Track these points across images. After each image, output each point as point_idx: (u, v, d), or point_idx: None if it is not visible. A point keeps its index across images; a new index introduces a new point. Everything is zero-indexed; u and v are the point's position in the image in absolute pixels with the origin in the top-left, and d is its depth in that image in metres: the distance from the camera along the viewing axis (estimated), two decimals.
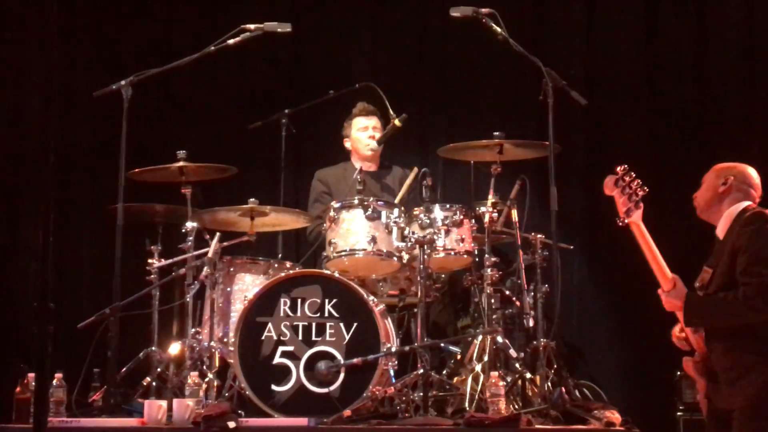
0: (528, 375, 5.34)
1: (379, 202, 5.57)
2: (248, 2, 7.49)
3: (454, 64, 7.49)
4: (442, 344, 5.59)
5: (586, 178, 7.21)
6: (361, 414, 5.05)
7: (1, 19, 7.28)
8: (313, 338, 5.25)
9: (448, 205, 5.62)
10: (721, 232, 4.53)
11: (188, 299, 5.57)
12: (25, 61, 7.32)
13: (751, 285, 4.28)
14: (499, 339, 5.42)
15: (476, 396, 5.18)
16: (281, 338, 5.26)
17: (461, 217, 5.59)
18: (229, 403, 5.11)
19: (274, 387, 5.20)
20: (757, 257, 4.31)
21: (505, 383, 5.07)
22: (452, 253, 5.57)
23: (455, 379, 5.48)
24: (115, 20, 7.55)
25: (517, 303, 5.80)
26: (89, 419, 5.12)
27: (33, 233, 7.00)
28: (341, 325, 5.24)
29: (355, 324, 5.23)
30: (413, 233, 5.49)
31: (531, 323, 5.65)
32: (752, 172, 4.61)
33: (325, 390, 5.16)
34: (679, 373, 6.10)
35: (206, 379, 5.29)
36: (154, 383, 5.62)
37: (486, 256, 5.59)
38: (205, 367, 5.41)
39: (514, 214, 5.80)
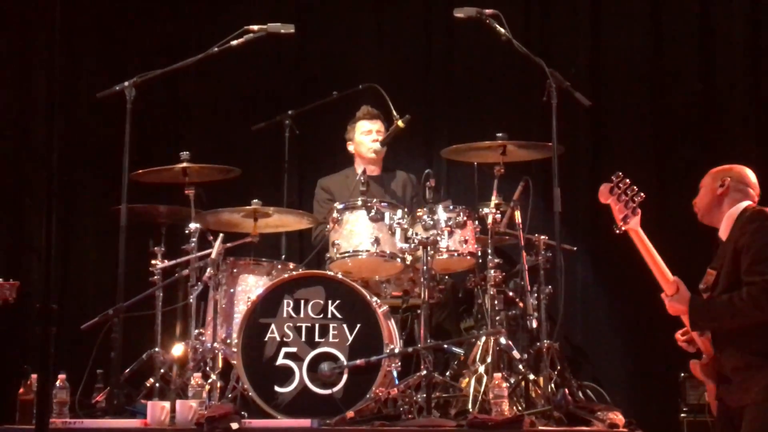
0: (531, 376, 5.33)
1: (382, 204, 5.57)
2: (253, 3, 7.50)
3: (458, 65, 7.49)
4: (446, 345, 5.59)
5: (589, 179, 7.19)
6: (364, 415, 5.05)
7: (6, 19, 7.28)
8: (317, 339, 5.25)
9: (451, 207, 5.62)
10: (723, 233, 4.52)
11: (191, 300, 5.57)
12: (29, 62, 7.34)
13: (755, 284, 4.26)
14: (503, 340, 5.41)
15: (479, 397, 5.18)
16: (284, 339, 5.26)
17: (464, 218, 5.59)
18: (232, 405, 5.12)
19: (277, 388, 5.20)
20: (759, 256, 4.30)
21: (508, 385, 5.06)
22: (455, 254, 5.57)
23: (458, 380, 5.47)
24: (120, 21, 7.56)
25: (521, 304, 5.80)
26: (92, 420, 5.13)
27: (37, 234, 7.01)
28: (344, 326, 5.24)
29: (359, 325, 5.23)
30: (416, 234, 5.48)
31: (534, 324, 5.63)
32: (749, 172, 4.61)
33: (328, 391, 5.16)
34: (682, 374, 6.10)
35: (209, 380, 5.29)
36: (157, 384, 5.62)
37: (489, 257, 5.58)
38: (208, 368, 5.40)
39: (518, 215, 5.78)
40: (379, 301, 5.43)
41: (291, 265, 5.82)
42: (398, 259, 5.52)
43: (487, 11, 5.66)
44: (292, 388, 5.20)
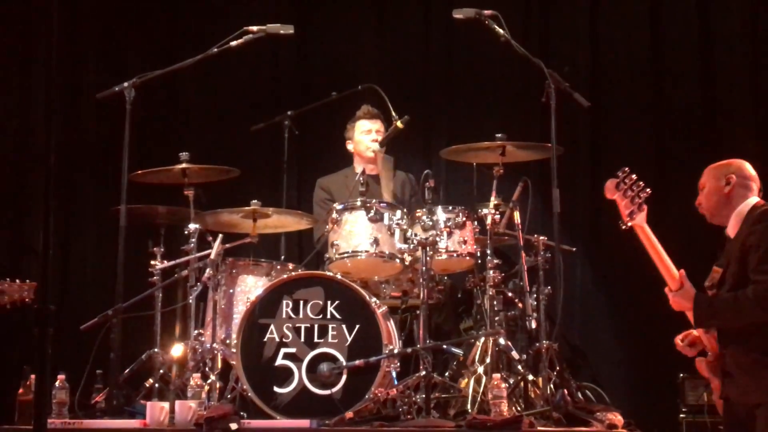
0: (530, 377, 5.33)
1: (381, 204, 5.57)
2: (253, 4, 7.51)
3: (458, 66, 7.50)
4: (445, 346, 5.59)
5: (588, 180, 7.21)
6: (363, 416, 5.05)
7: (7, 19, 7.29)
8: (316, 340, 5.25)
9: (450, 207, 5.62)
10: (731, 231, 4.47)
11: (191, 301, 5.57)
12: (30, 62, 7.34)
13: (761, 283, 4.23)
14: (502, 341, 5.41)
15: (478, 398, 5.18)
16: (283, 340, 5.27)
17: (464, 219, 5.59)
18: (231, 405, 5.12)
19: (276, 389, 5.21)
20: (767, 255, 4.29)
21: (507, 385, 5.06)
22: (455, 255, 5.57)
23: (457, 381, 5.47)
24: (121, 23, 7.57)
25: (520, 305, 5.79)
26: (92, 421, 5.13)
27: (37, 235, 7.02)
28: (343, 326, 5.24)
29: (358, 326, 5.23)
30: (416, 235, 5.49)
31: (533, 325, 5.63)
32: (747, 165, 4.57)
33: (327, 392, 5.16)
34: (681, 375, 6.11)
35: (208, 381, 5.29)
36: (156, 385, 5.62)
37: (488, 258, 5.58)
38: (207, 368, 5.40)
39: (517, 216, 5.79)
40: (378, 301, 5.43)
41: (290, 266, 5.82)
42: (397, 260, 5.52)
43: (486, 12, 5.66)
44: (291, 389, 5.20)
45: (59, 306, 5.45)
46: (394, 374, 5.29)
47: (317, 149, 7.27)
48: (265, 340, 5.28)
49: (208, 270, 5.49)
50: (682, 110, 7.24)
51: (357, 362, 5.14)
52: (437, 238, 5.48)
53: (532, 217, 5.91)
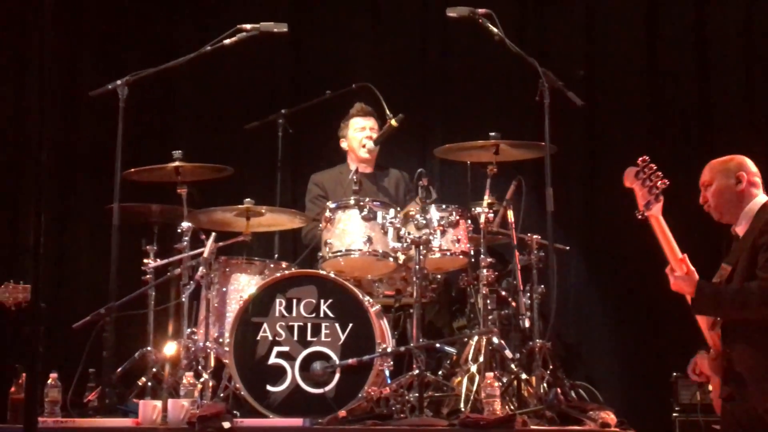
0: (524, 376, 5.33)
1: (375, 203, 5.57)
2: (247, 2, 7.50)
3: (452, 64, 7.50)
4: (438, 345, 5.59)
5: (583, 178, 7.22)
6: (357, 414, 5.04)
7: (2, 17, 7.28)
8: (309, 339, 5.24)
9: (444, 206, 5.62)
10: (740, 229, 4.45)
11: (184, 299, 5.55)
12: (25, 60, 7.33)
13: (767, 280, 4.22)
14: (495, 340, 5.41)
15: (472, 397, 5.17)
16: (276, 338, 5.26)
17: (457, 217, 5.59)
18: (224, 404, 5.10)
19: (269, 387, 5.20)
20: None
21: (500, 384, 5.06)
22: (448, 253, 5.57)
23: (451, 379, 5.47)
24: (116, 20, 7.57)
25: (513, 304, 5.80)
26: (84, 419, 5.12)
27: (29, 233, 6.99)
28: (337, 325, 5.23)
29: (351, 324, 5.22)
30: (409, 234, 5.48)
31: (527, 324, 5.63)
32: (749, 161, 4.55)
33: (320, 390, 5.15)
34: (675, 374, 6.11)
35: (201, 380, 5.29)
36: (149, 383, 5.61)
37: (482, 256, 5.57)
38: (200, 367, 5.39)
39: (510, 214, 5.79)
40: (371, 300, 5.43)
41: (283, 264, 5.81)
42: (391, 259, 5.52)
43: (480, 11, 5.66)
44: (284, 387, 5.20)
45: (52, 304, 5.49)
46: (387, 373, 5.28)
47: (311, 148, 7.27)
48: (258, 338, 5.27)
49: (201, 268, 5.47)
50: (676, 109, 7.25)
51: (350, 361, 5.13)
52: (431, 237, 5.48)
53: (526, 216, 5.90)
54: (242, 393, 5.21)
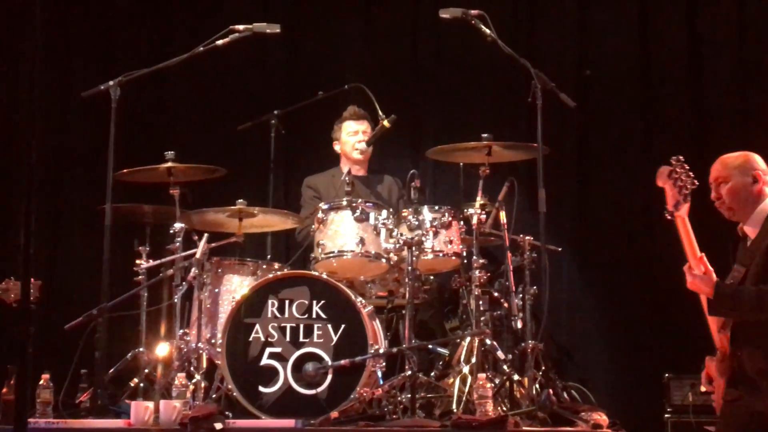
0: (516, 377, 5.33)
1: (367, 204, 5.57)
2: (240, 3, 7.49)
3: (445, 65, 7.50)
4: (430, 346, 5.59)
5: (575, 180, 7.22)
6: (349, 415, 5.04)
7: None
8: (301, 339, 5.24)
9: (436, 207, 5.62)
10: (750, 229, 4.40)
11: (176, 300, 5.54)
12: (17, 60, 7.32)
13: None
14: (487, 341, 5.41)
15: (464, 398, 5.17)
16: (269, 339, 5.26)
17: (449, 218, 5.60)
18: (216, 405, 5.11)
19: (261, 388, 5.20)
20: None
21: (492, 385, 5.06)
22: (440, 254, 5.58)
23: (443, 380, 5.47)
24: (109, 21, 7.55)
25: (506, 305, 5.80)
26: (76, 420, 5.11)
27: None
28: (329, 326, 5.23)
29: (343, 325, 5.22)
30: (401, 235, 5.48)
31: (519, 325, 5.64)
32: (760, 158, 4.50)
33: (312, 391, 5.16)
34: (667, 375, 6.12)
35: (194, 381, 5.28)
36: (141, 384, 5.60)
37: (474, 257, 5.57)
38: (192, 368, 5.39)
39: (503, 215, 5.79)
40: (363, 301, 5.43)
41: (276, 265, 5.80)
42: (383, 260, 5.52)
43: (473, 12, 5.66)
44: (276, 389, 5.20)
45: (44, 305, 5.47)
46: (379, 374, 5.29)
47: (304, 149, 7.27)
48: (251, 339, 5.27)
49: (193, 269, 5.46)
50: (669, 110, 7.25)
51: (342, 362, 5.13)
52: (423, 238, 5.48)
53: (518, 217, 5.90)
54: (234, 394, 5.20)
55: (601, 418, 4.91)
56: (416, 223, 5.51)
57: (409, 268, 5.36)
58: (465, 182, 6.10)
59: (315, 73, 7.39)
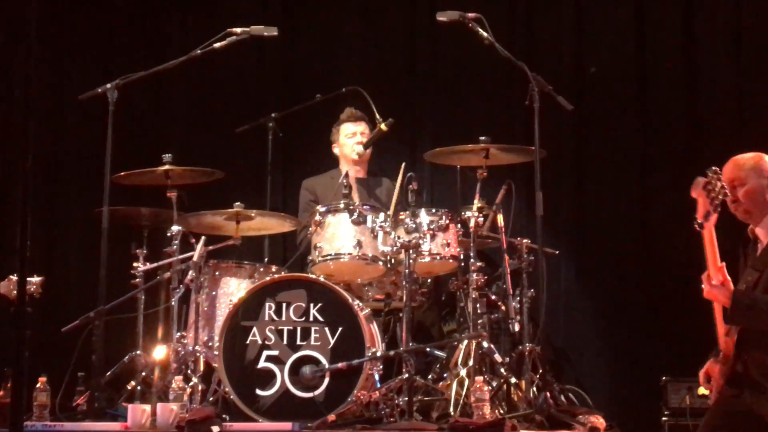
0: (513, 380, 5.33)
1: (365, 207, 5.57)
2: (237, 5, 7.49)
3: (442, 68, 7.50)
4: (428, 349, 5.59)
5: (573, 183, 7.22)
6: (346, 418, 5.05)
7: None
8: (298, 342, 5.24)
9: (434, 210, 5.62)
10: (763, 233, 4.35)
11: (173, 303, 5.55)
12: (13, 63, 7.32)
13: None
14: (485, 344, 5.40)
15: (461, 401, 5.17)
16: (266, 342, 5.26)
17: (447, 221, 5.59)
18: (213, 408, 5.10)
19: (258, 391, 5.19)
20: None
21: (490, 388, 5.06)
22: (438, 257, 5.57)
23: (440, 383, 5.46)
24: (106, 23, 7.56)
25: (503, 308, 5.80)
26: (73, 423, 5.11)
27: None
28: (326, 329, 5.23)
29: (340, 328, 5.22)
30: (399, 237, 5.48)
31: (516, 328, 5.63)
32: None
33: (309, 394, 5.16)
34: (664, 378, 6.12)
35: (191, 383, 5.28)
36: (138, 387, 5.60)
37: (472, 260, 5.56)
38: (189, 371, 5.38)
39: (500, 218, 5.79)
40: (361, 304, 5.42)
41: (273, 268, 5.81)
42: (380, 262, 5.52)
43: (470, 15, 5.66)
44: (273, 392, 5.19)
45: (41, 308, 5.47)
46: (376, 377, 5.29)
47: (301, 151, 7.27)
48: (248, 342, 5.26)
49: (190, 272, 5.47)
50: (666, 113, 7.25)
51: (339, 365, 5.13)
52: (420, 241, 5.48)
53: (516, 220, 5.91)
54: (231, 397, 5.20)
55: (599, 421, 4.90)
56: (413, 226, 5.50)
57: (407, 271, 5.36)
58: (462, 185, 6.10)
59: (312, 76, 7.39)
